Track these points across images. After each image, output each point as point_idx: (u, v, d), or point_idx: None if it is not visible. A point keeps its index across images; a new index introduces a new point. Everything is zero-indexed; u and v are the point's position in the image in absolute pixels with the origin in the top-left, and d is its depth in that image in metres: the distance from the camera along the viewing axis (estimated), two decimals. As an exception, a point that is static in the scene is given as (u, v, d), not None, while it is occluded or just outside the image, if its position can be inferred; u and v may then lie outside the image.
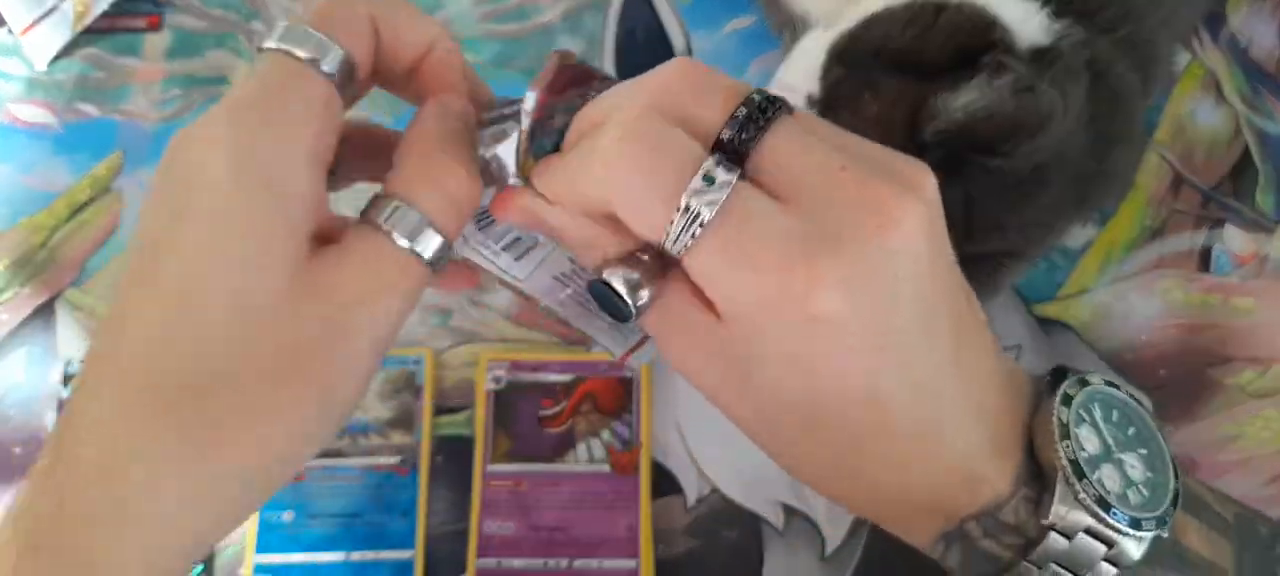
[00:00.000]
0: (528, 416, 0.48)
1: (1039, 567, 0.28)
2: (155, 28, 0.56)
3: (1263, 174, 0.53)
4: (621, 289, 0.27)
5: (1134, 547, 0.27)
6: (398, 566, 0.46)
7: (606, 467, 0.47)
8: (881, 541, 0.47)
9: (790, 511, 0.47)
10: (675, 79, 0.26)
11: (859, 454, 0.28)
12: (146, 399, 0.25)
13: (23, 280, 0.51)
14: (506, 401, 0.48)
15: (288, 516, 0.47)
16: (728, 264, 0.25)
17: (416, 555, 0.46)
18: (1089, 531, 0.27)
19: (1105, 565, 0.28)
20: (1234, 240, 0.52)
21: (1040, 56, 0.39)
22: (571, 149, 0.28)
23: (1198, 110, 0.54)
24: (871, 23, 0.40)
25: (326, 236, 0.28)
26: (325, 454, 0.48)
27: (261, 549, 0.46)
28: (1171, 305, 0.51)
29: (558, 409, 0.48)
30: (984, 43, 0.38)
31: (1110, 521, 0.27)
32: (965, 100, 0.36)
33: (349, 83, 0.28)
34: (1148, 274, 0.51)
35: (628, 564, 0.45)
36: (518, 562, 0.45)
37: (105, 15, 0.56)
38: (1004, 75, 0.36)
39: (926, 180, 0.26)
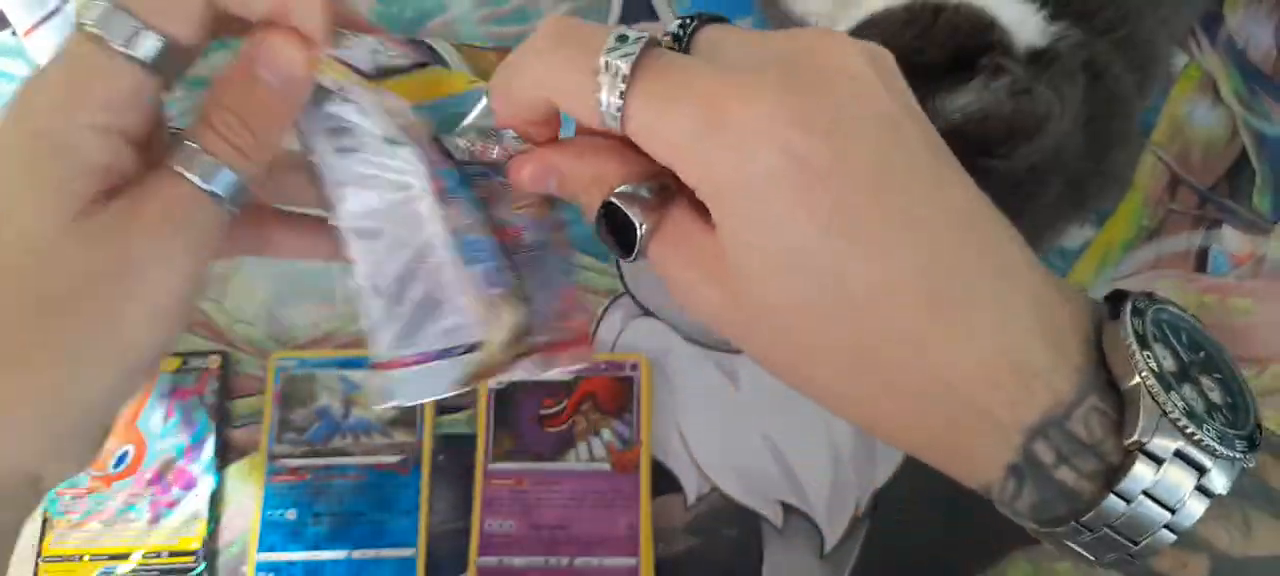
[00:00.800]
0: (529, 415, 0.48)
1: (1127, 501, 0.25)
2: (158, 29, 0.57)
3: (1260, 174, 0.53)
4: (630, 209, 0.27)
5: (1222, 477, 0.25)
6: (399, 564, 0.46)
7: (607, 466, 0.47)
8: (880, 539, 0.47)
9: (789, 509, 0.48)
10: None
11: (872, 336, 0.25)
12: None
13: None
14: (508, 400, 0.48)
15: (290, 515, 0.47)
16: (661, 102, 0.25)
17: (418, 553, 0.46)
18: (1180, 454, 0.24)
19: (1192, 502, 0.25)
20: (1231, 241, 0.52)
21: (1038, 58, 0.39)
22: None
23: (1195, 111, 0.54)
24: (870, 24, 0.40)
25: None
26: (328, 453, 0.48)
27: (264, 547, 0.46)
28: (1169, 305, 0.51)
29: (559, 408, 0.48)
30: (982, 44, 0.38)
31: (1203, 439, 0.24)
32: (962, 102, 0.36)
33: (171, 61, 0.29)
34: (1145, 274, 0.51)
35: (628, 562, 0.46)
36: (519, 560, 0.46)
37: (108, 17, 0.56)
38: (1001, 77, 0.36)
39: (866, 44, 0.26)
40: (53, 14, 0.55)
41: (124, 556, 0.47)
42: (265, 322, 0.51)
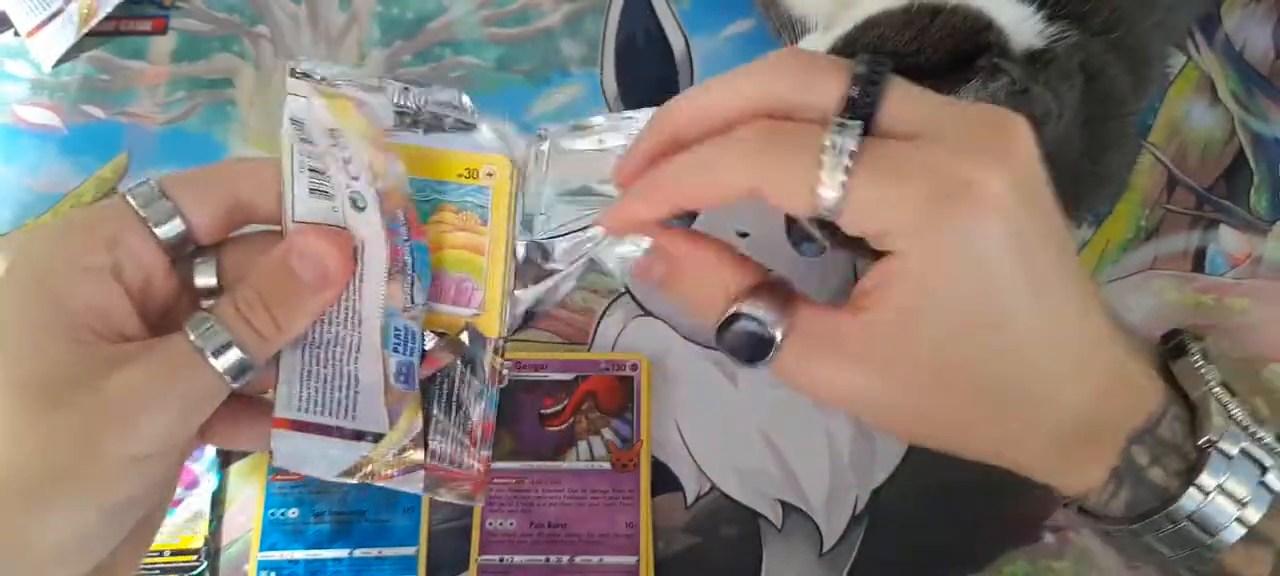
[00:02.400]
0: (529, 415, 0.48)
1: (1204, 493, 0.28)
2: (160, 31, 0.57)
3: (1257, 175, 0.53)
4: (761, 315, 0.28)
5: (1278, 476, 0.29)
6: (401, 562, 0.46)
7: (607, 465, 0.47)
8: (879, 538, 0.47)
9: (788, 508, 0.48)
10: (774, 75, 0.28)
11: (1032, 376, 0.28)
12: None
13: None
14: (509, 400, 0.48)
15: (292, 514, 0.47)
16: (888, 180, 0.26)
17: (419, 551, 0.46)
18: (1244, 453, 0.28)
19: (1256, 499, 0.28)
20: (1228, 241, 0.52)
21: (1035, 59, 0.39)
22: (671, 160, 0.29)
23: (1192, 112, 0.54)
24: (868, 25, 0.40)
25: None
26: (329, 452, 0.48)
27: (265, 546, 0.47)
28: (1166, 305, 0.51)
29: (559, 407, 0.48)
30: (979, 45, 0.38)
31: (1265, 438, 0.29)
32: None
33: (186, 242, 0.31)
34: (1143, 274, 0.52)
35: (628, 560, 0.46)
36: (519, 559, 0.46)
37: (111, 18, 0.56)
38: (999, 78, 0.36)
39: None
40: (55, 15, 0.55)
41: (126, 555, 0.47)
42: (267, 322, 0.52)
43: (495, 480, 0.47)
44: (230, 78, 0.56)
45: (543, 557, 0.46)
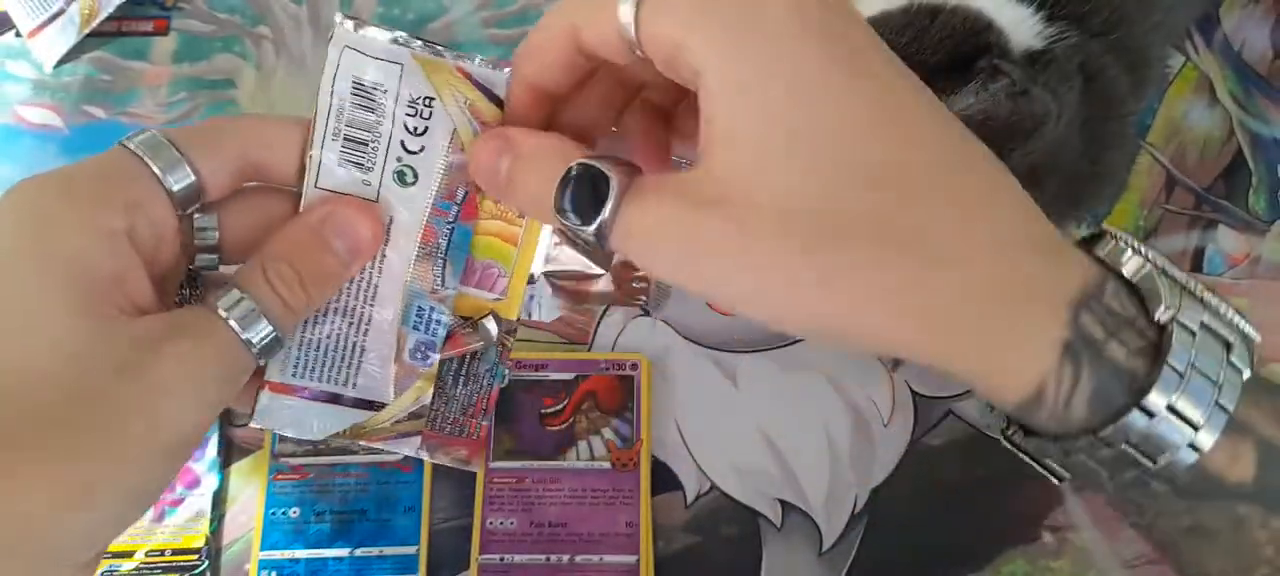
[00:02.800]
0: (530, 414, 0.48)
1: (1179, 376, 0.24)
2: (162, 31, 0.57)
3: (1255, 175, 0.53)
4: (597, 164, 0.26)
5: (1244, 354, 0.25)
6: (401, 561, 0.46)
7: (607, 464, 0.48)
8: (878, 537, 0.47)
9: (788, 508, 0.48)
10: None
11: (897, 213, 0.24)
12: None
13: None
14: (509, 399, 0.49)
15: (293, 513, 0.47)
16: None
17: (420, 550, 0.46)
18: (1207, 327, 0.25)
19: (1229, 378, 0.25)
20: (1227, 241, 0.52)
21: (1034, 60, 0.39)
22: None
23: (1191, 112, 0.54)
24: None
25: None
26: (330, 451, 0.48)
27: (266, 545, 0.47)
28: (1165, 305, 0.51)
29: (559, 407, 0.49)
30: (979, 46, 0.38)
31: (1224, 311, 0.25)
32: (961, 105, 0.36)
33: (195, 197, 0.29)
34: (1141, 274, 0.52)
35: (628, 559, 0.46)
36: (520, 558, 0.46)
37: (112, 18, 0.56)
38: (998, 79, 0.37)
39: None
40: (57, 16, 0.55)
41: (127, 554, 0.47)
42: (268, 322, 0.52)
43: (495, 480, 0.47)
44: (232, 78, 0.56)
45: (543, 557, 0.46)
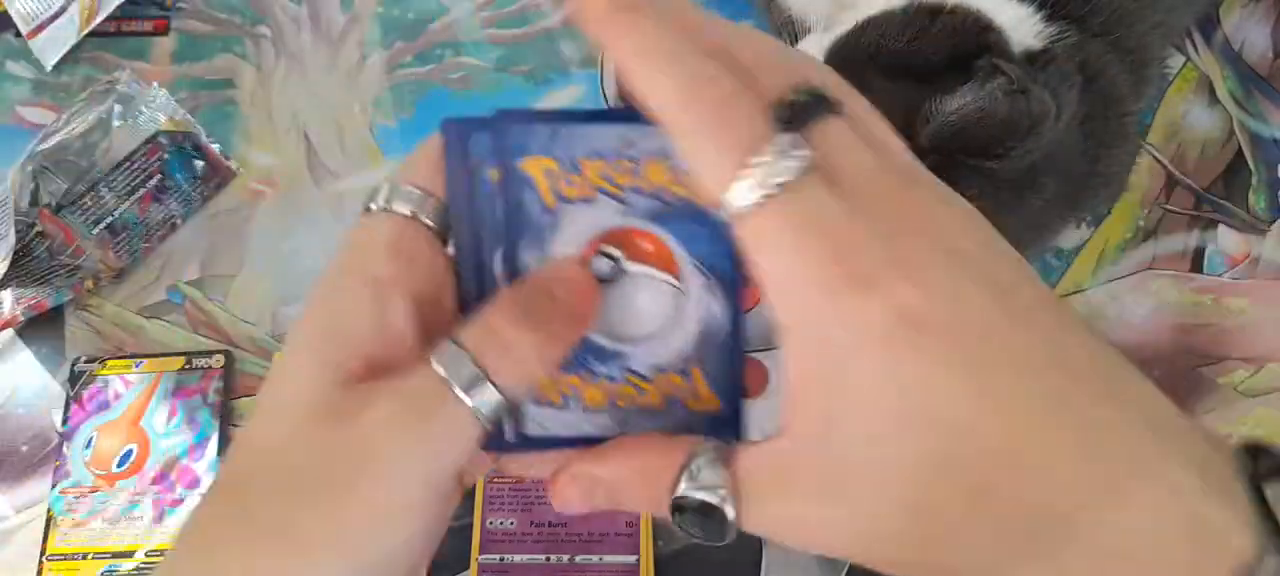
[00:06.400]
0: (529, 414, 0.48)
1: None
2: (162, 31, 0.57)
3: (1255, 175, 0.53)
4: (702, 494, 0.26)
5: None
6: (401, 562, 0.46)
7: (607, 465, 0.47)
8: (878, 538, 0.47)
9: (788, 508, 0.48)
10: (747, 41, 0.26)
11: (1015, 505, 0.22)
12: (219, 490, 0.28)
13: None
14: (508, 400, 0.49)
15: (293, 513, 0.47)
16: (795, 229, 0.23)
17: (420, 551, 0.46)
18: None
19: None
20: (1227, 241, 0.52)
21: (1034, 60, 0.39)
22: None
23: (1191, 112, 0.54)
24: (868, 26, 0.40)
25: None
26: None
27: (267, 545, 0.47)
28: (1165, 305, 0.51)
29: (559, 407, 0.48)
30: (979, 46, 0.38)
31: None
32: (958, 104, 0.36)
33: (446, 219, 0.29)
34: (1141, 274, 0.52)
35: (628, 559, 0.46)
36: (520, 558, 0.46)
37: (112, 18, 0.56)
38: (997, 78, 0.37)
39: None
40: (57, 15, 0.55)
41: (128, 554, 0.47)
42: (268, 322, 0.52)
43: (495, 480, 0.47)
44: (231, 78, 0.56)
45: (543, 557, 0.46)
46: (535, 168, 0.29)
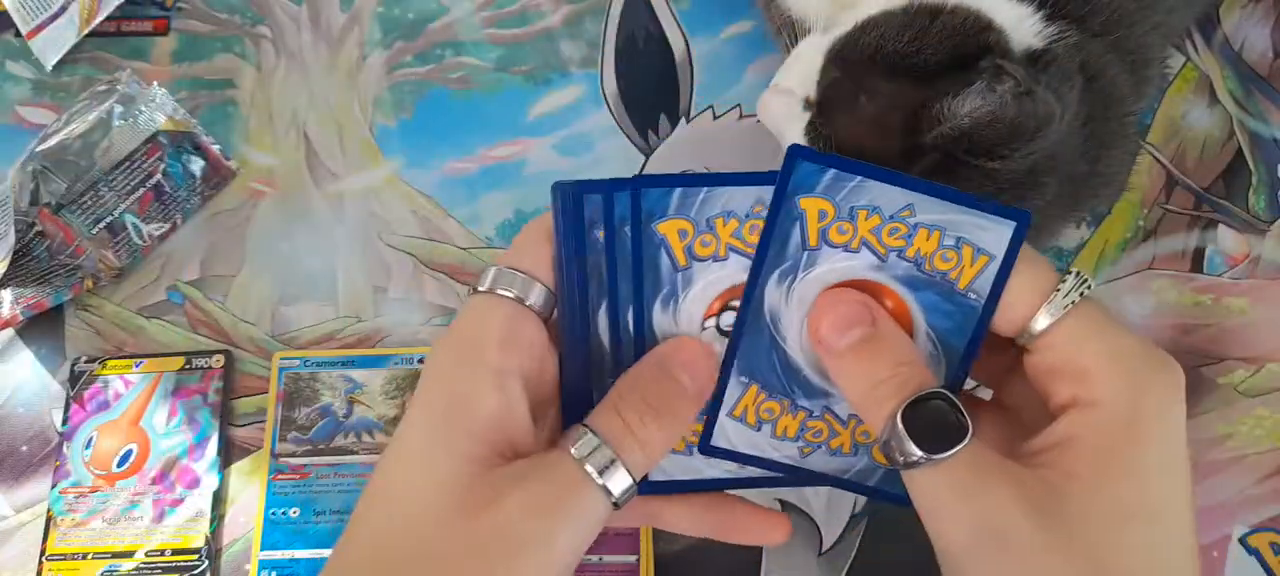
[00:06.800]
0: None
1: None
2: (162, 31, 0.57)
3: (1255, 175, 0.53)
4: (958, 404, 0.28)
5: None
6: (401, 562, 0.46)
7: (607, 465, 0.47)
8: (878, 538, 0.47)
9: (788, 508, 0.48)
10: None
11: None
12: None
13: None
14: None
15: (293, 513, 0.47)
16: (1107, 331, 0.28)
17: (420, 551, 0.46)
18: None
19: None
20: (1227, 241, 0.52)
21: (1035, 60, 0.39)
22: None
23: (1191, 112, 0.54)
24: (868, 26, 0.40)
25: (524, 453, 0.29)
26: (331, 451, 0.48)
27: (267, 545, 0.47)
28: (1165, 305, 0.51)
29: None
30: (979, 46, 0.38)
31: None
32: (970, 106, 0.36)
33: (550, 304, 0.30)
34: (1141, 274, 0.52)
35: (628, 560, 0.46)
36: (520, 558, 0.46)
37: (112, 18, 0.56)
38: (1004, 80, 0.36)
39: None
40: (57, 15, 0.55)
41: (127, 554, 0.47)
42: (268, 322, 0.52)
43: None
44: (231, 78, 0.56)
45: (543, 557, 0.46)
46: (670, 229, 0.30)
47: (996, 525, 0.27)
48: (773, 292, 0.31)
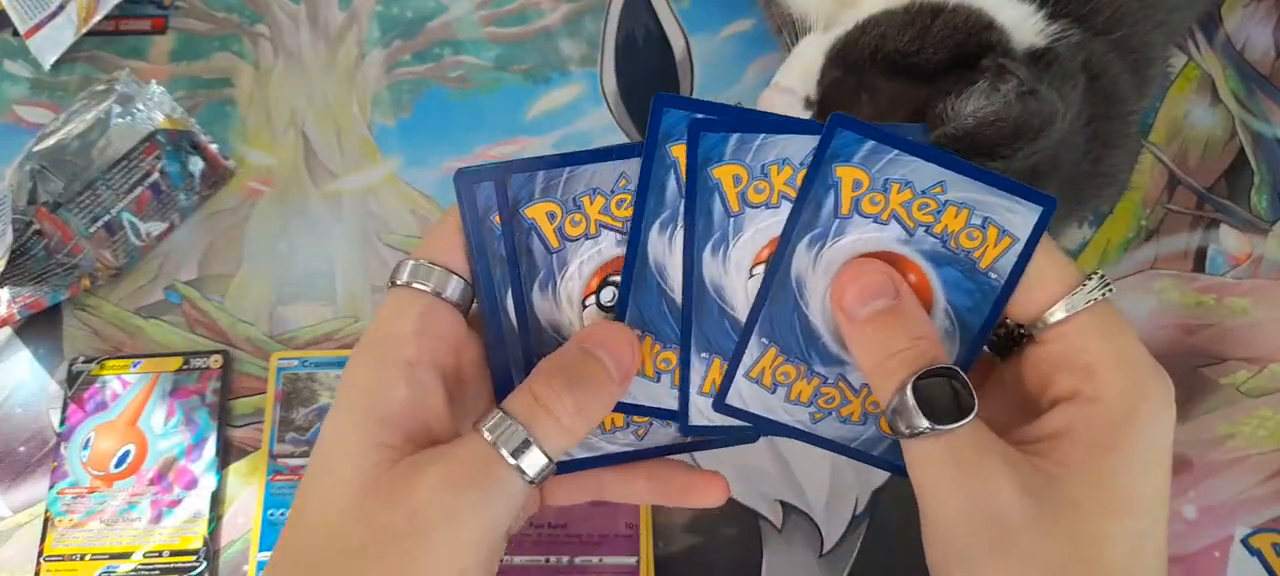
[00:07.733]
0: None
1: None
2: (160, 30, 0.57)
3: (1257, 175, 0.53)
4: (968, 381, 0.28)
5: None
6: (400, 563, 0.46)
7: (607, 465, 0.47)
8: (879, 539, 0.47)
9: (788, 509, 0.48)
10: None
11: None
12: (281, 569, 0.29)
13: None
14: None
15: (291, 514, 0.47)
16: (1117, 333, 0.29)
17: (419, 552, 0.46)
18: None
19: None
20: (1229, 240, 0.52)
21: (1037, 59, 0.39)
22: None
23: (1193, 112, 0.54)
24: (868, 25, 0.40)
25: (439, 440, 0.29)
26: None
27: (265, 546, 0.47)
28: (1167, 305, 0.51)
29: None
30: (981, 45, 0.38)
31: None
32: (973, 105, 0.36)
33: (467, 296, 0.31)
34: (1143, 274, 0.52)
35: (628, 560, 0.46)
36: (519, 559, 0.46)
37: (110, 17, 0.56)
38: (1007, 79, 0.36)
39: None
40: (55, 14, 0.55)
41: (125, 555, 0.47)
42: (266, 322, 0.52)
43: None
44: (229, 77, 0.56)
45: (543, 558, 0.46)
46: (538, 213, 0.30)
47: (990, 501, 0.27)
48: (801, 257, 0.31)
